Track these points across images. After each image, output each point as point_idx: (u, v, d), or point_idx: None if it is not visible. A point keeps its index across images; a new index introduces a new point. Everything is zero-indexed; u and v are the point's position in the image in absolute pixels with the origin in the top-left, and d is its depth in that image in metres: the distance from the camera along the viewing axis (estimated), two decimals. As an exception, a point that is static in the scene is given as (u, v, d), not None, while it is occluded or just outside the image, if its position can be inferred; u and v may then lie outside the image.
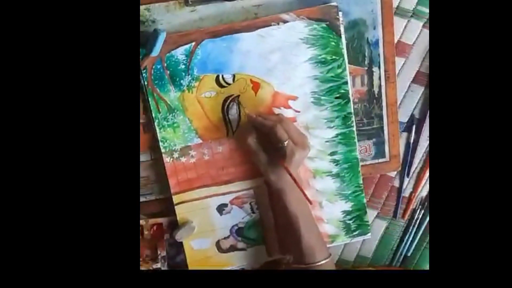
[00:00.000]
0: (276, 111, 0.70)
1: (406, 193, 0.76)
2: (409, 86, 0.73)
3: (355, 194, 0.73)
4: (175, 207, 0.71)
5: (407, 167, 0.75)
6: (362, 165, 0.72)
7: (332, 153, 0.71)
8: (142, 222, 0.72)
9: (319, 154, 0.71)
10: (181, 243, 0.72)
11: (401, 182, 0.76)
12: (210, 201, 0.71)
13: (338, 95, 0.70)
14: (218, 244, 0.73)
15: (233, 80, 0.69)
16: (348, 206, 0.73)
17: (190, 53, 0.67)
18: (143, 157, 0.71)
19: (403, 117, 0.74)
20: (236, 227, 0.73)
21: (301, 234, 0.65)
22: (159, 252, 0.72)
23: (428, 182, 0.76)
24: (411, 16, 0.71)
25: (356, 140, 0.71)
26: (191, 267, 0.72)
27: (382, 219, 0.77)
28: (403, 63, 0.73)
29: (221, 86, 0.69)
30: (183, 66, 0.68)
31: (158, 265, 0.71)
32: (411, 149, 0.74)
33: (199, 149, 0.70)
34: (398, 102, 0.73)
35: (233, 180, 0.71)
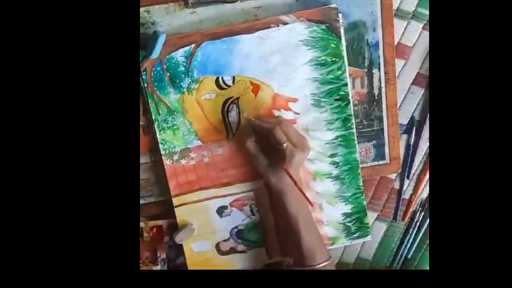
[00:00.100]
0: (276, 113, 0.69)
1: (406, 195, 0.76)
2: (409, 88, 0.73)
3: (355, 196, 0.72)
4: (175, 209, 0.71)
5: (407, 169, 0.75)
6: (362, 167, 0.72)
7: (332, 155, 0.71)
8: (142, 224, 0.72)
9: (319, 156, 0.71)
10: (181, 245, 0.72)
11: (401, 184, 0.76)
12: (210, 203, 0.71)
13: (338, 97, 0.70)
14: (218, 246, 0.73)
15: (233, 82, 0.69)
16: (348, 208, 0.73)
17: (190, 55, 0.67)
18: (143, 159, 0.71)
19: (403, 119, 0.74)
20: (236, 229, 0.73)
21: (301, 236, 0.65)
22: (159, 254, 0.71)
23: (428, 184, 0.75)
24: (411, 18, 0.71)
25: (356, 142, 0.71)
26: (191, 269, 0.72)
27: (382, 221, 0.77)
28: (403, 65, 0.72)
29: (221, 88, 0.69)
30: (183, 68, 0.68)
31: (158, 267, 0.71)
32: (411, 151, 0.74)
33: (199, 151, 0.70)
34: (398, 104, 0.73)
35: (233, 182, 0.71)
